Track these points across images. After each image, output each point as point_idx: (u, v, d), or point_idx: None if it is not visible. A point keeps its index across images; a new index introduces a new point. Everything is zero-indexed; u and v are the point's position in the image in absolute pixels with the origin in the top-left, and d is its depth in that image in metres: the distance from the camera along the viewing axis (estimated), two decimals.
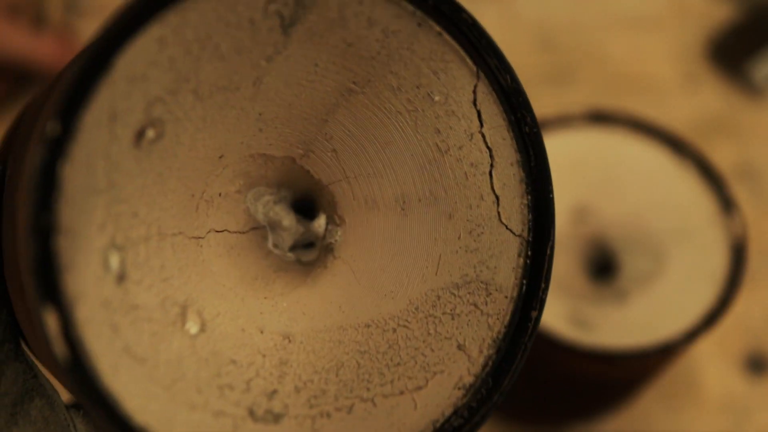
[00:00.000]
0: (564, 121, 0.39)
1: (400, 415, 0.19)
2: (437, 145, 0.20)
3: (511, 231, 0.19)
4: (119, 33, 0.17)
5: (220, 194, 0.22)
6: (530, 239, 0.19)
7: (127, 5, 0.18)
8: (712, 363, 0.50)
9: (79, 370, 0.16)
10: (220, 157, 0.21)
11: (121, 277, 0.18)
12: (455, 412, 0.18)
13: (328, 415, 0.19)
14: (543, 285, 0.19)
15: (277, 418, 0.18)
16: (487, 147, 0.20)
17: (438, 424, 0.18)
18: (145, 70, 0.18)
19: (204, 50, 0.19)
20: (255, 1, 0.19)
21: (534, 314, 0.19)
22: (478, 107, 0.20)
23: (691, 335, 0.33)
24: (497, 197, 0.20)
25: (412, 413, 0.19)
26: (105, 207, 0.18)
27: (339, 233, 0.22)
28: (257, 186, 0.22)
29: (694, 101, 0.59)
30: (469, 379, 0.18)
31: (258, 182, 0.22)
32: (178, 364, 0.18)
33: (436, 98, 0.20)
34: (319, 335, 0.20)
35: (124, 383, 0.17)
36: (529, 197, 0.20)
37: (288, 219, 0.22)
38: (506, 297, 0.19)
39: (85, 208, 0.17)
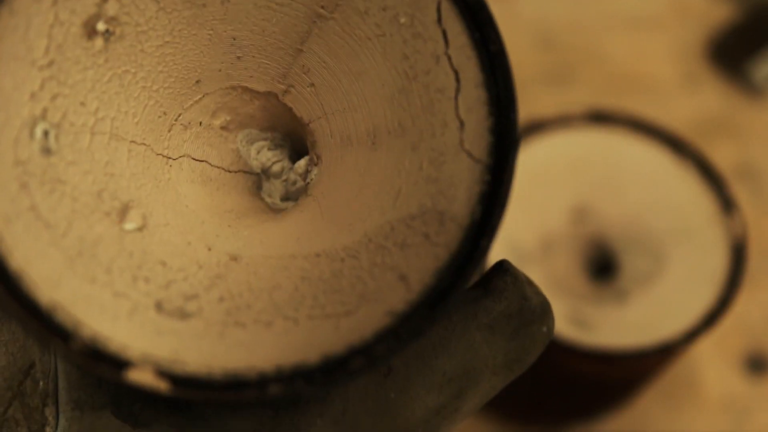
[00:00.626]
0: (564, 121, 0.39)
1: (319, 335, 0.18)
2: (406, 72, 0.20)
3: (472, 157, 0.18)
4: None
5: (200, 123, 0.22)
6: (490, 164, 0.18)
7: None
8: (712, 363, 0.50)
9: None
10: (197, 81, 0.21)
11: (47, 150, 0.19)
12: (379, 338, 0.17)
13: (243, 326, 0.18)
14: (497, 212, 0.17)
15: (184, 316, 0.18)
16: (453, 69, 0.19)
17: (356, 348, 0.17)
18: None
19: None
20: None
21: (484, 243, 0.17)
22: (443, 26, 0.19)
23: (691, 335, 0.33)
24: (461, 122, 0.18)
25: (332, 335, 0.18)
26: (40, 81, 0.18)
27: (315, 172, 0.22)
28: (248, 127, 0.22)
29: (694, 101, 0.59)
30: (401, 307, 0.17)
31: (248, 123, 0.22)
32: (94, 244, 0.19)
33: (402, 20, 0.19)
34: (267, 261, 0.20)
35: (17, 234, 0.17)
36: (492, 119, 0.18)
37: (285, 168, 0.22)
38: (459, 226, 0.18)
39: (14, 71, 0.18)
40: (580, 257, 0.40)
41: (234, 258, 0.20)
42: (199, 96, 0.22)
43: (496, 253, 0.37)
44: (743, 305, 0.52)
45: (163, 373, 0.17)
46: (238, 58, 0.21)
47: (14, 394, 0.21)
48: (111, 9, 0.19)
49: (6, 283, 0.17)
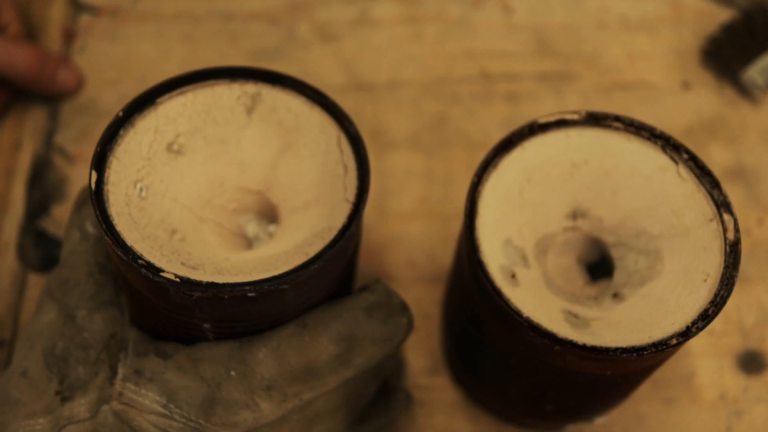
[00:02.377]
0: (561, 123, 0.39)
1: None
2: (323, 172, 0.37)
3: (348, 201, 0.35)
4: (163, 90, 0.38)
5: (221, 206, 0.39)
6: (354, 201, 0.35)
7: (169, 80, 0.38)
8: (707, 362, 0.50)
9: (98, 198, 0.35)
10: (221, 183, 0.39)
11: (140, 196, 0.36)
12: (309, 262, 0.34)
13: (222, 274, 0.34)
14: (355, 222, 0.34)
15: (195, 268, 0.34)
16: (344, 165, 0.36)
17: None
18: (175, 116, 0.38)
19: (207, 116, 0.38)
20: (230, 94, 0.38)
21: (346, 237, 0.34)
22: (341, 146, 0.37)
23: (687, 333, 0.34)
24: (346, 187, 0.36)
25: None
26: (142, 165, 0.37)
27: (274, 228, 0.39)
28: (247, 209, 0.39)
29: (690, 104, 0.60)
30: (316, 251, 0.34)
31: (247, 207, 0.39)
32: (156, 237, 0.35)
33: (322, 146, 0.37)
34: (245, 260, 0.36)
35: (122, 224, 0.34)
36: (358, 183, 0.35)
37: (264, 236, 0.39)
38: (338, 230, 0.34)
39: (132, 159, 0.37)
40: (575, 258, 0.41)
41: (227, 258, 0.36)
42: (222, 191, 0.39)
43: (496, 251, 0.37)
44: (738, 305, 0.52)
45: (177, 276, 0.32)
46: (243, 171, 0.39)
47: (104, 345, 0.37)
48: (180, 140, 0.38)
49: (116, 237, 0.33)
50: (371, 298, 0.36)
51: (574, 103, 0.60)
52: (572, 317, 0.36)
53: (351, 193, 0.35)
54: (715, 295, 0.35)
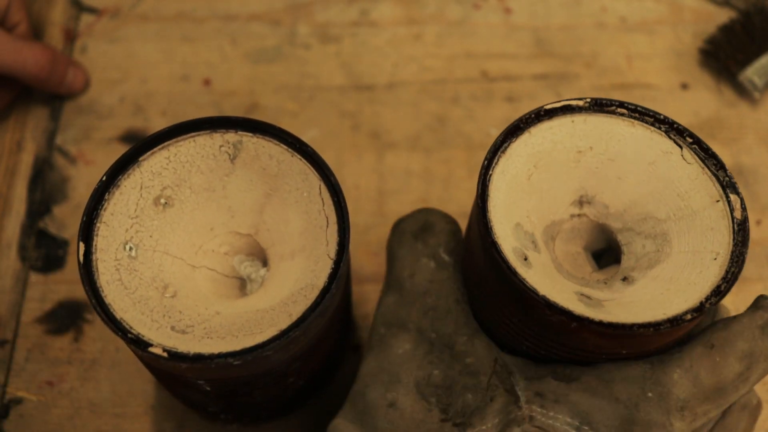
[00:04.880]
0: (566, 110, 0.39)
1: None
2: (307, 221, 0.38)
3: (329, 257, 0.36)
4: (146, 148, 0.38)
5: (213, 250, 0.40)
6: (335, 259, 0.36)
7: (149, 137, 0.38)
8: None
9: (87, 270, 0.36)
10: (211, 228, 0.40)
11: (131, 256, 0.37)
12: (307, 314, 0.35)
13: (210, 338, 0.36)
14: (337, 281, 0.35)
15: (184, 333, 0.35)
16: (326, 217, 0.37)
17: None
18: (160, 170, 0.39)
19: (192, 166, 0.39)
20: (212, 143, 0.39)
21: (328, 297, 0.35)
22: (322, 196, 0.38)
23: (700, 308, 0.34)
24: (328, 241, 0.37)
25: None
26: (131, 224, 0.38)
27: (263, 272, 0.40)
28: (239, 254, 0.40)
29: (688, 105, 0.60)
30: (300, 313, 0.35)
31: (238, 250, 0.40)
32: (147, 299, 0.36)
33: (305, 194, 0.38)
34: (235, 313, 0.37)
35: (111, 291, 0.36)
36: (338, 238, 0.36)
37: (257, 276, 0.40)
38: (319, 289, 0.36)
39: (119, 219, 0.38)
40: (582, 245, 0.41)
41: (218, 313, 0.37)
42: (212, 236, 0.40)
43: (508, 234, 0.37)
44: (736, 305, 0.52)
45: (165, 350, 0.34)
46: (232, 216, 0.40)
47: (491, 370, 0.37)
48: (166, 193, 0.39)
49: (105, 310, 0.35)
50: (766, 316, 0.37)
51: None
52: (585, 298, 0.36)
53: (332, 249, 0.36)
54: (727, 272, 0.35)
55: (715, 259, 0.36)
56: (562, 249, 0.40)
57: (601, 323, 0.33)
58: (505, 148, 0.38)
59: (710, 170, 0.38)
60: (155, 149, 0.38)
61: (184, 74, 0.61)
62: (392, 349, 0.38)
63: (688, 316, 0.34)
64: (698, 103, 0.60)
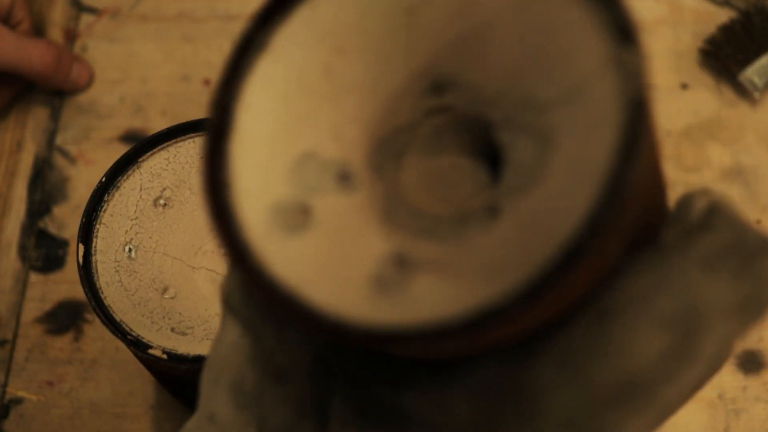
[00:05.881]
0: None
1: None
2: None
3: None
4: (145, 149, 0.39)
5: (212, 251, 0.40)
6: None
7: (149, 138, 0.39)
8: None
9: (87, 271, 0.38)
10: (211, 229, 0.35)
11: (130, 257, 0.38)
12: None
13: (209, 339, 0.38)
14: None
15: (184, 334, 0.38)
16: None
17: None
18: (160, 171, 0.39)
19: (191, 167, 0.40)
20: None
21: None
22: None
23: (534, 294, 0.19)
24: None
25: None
26: (131, 225, 0.39)
27: None
28: None
29: (688, 105, 0.60)
30: None
31: None
32: (147, 301, 0.37)
33: None
34: None
35: (111, 292, 0.37)
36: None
37: None
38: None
39: (119, 221, 0.39)
40: (462, 149, 0.26)
41: (218, 314, 0.35)
42: (212, 237, 0.39)
43: (272, 179, 0.24)
44: None
45: (165, 352, 0.35)
46: None
47: (308, 373, 0.24)
48: (166, 194, 0.39)
49: (104, 312, 0.36)
50: (713, 242, 0.21)
51: None
52: (393, 272, 0.22)
53: None
54: (591, 220, 0.19)
55: (597, 169, 0.20)
56: (422, 167, 0.25)
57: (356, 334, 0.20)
58: (265, 39, 0.24)
59: (600, 13, 0.21)
60: (155, 150, 0.39)
61: (185, 74, 0.61)
62: (221, 338, 0.27)
63: (492, 320, 0.19)
64: (698, 103, 0.60)
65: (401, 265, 0.22)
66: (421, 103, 0.25)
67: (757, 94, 0.60)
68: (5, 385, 0.49)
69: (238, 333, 0.26)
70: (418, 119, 0.25)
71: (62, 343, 0.50)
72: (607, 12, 0.21)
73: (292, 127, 0.24)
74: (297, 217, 0.23)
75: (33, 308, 0.51)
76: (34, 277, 0.53)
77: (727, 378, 0.50)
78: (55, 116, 0.59)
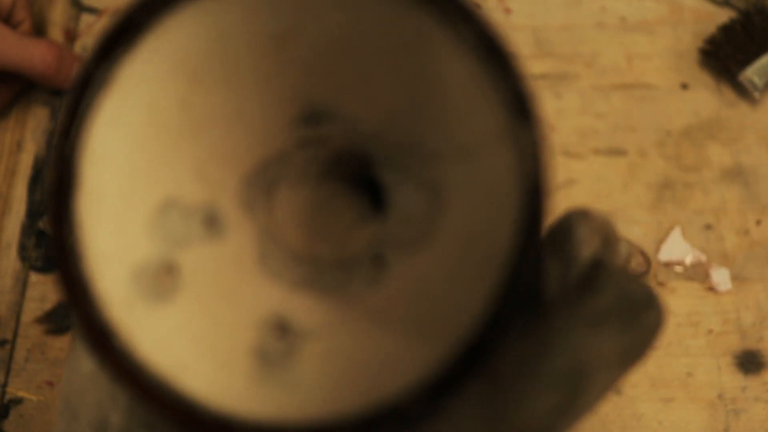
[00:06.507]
0: None
1: None
2: None
3: None
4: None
5: None
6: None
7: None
8: (705, 361, 0.51)
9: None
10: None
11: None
12: None
13: None
14: None
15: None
16: None
17: None
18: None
19: None
20: None
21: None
22: None
23: (400, 416, 0.17)
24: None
25: None
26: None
27: None
28: None
29: (688, 105, 0.60)
30: None
31: None
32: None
33: None
34: None
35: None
36: None
37: None
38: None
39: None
40: (340, 178, 0.25)
41: None
42: None
43: (130, 240, 0.21)
44: (736, 305, 0.52)
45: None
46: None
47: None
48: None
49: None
50: (598, 303, 0.21)
51: (573, 104, 0.60)
52: (275, 340, 0.20)
53: None
54: (497, 304, 0.18)
55: (492, 256, 0.18)
56: (297, 198, 0.24)
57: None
58: (108, 75, 0.20)
59: (496, 79, 0.20)
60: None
61: None
62: (75, 367, 0.23)
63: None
64: (698, 103, 0.60)
65: (283, 330, 0.20)
66: (294, 134, 0.23)
67: (757, 94, 0.60)
68: (5, 385, 0.49)
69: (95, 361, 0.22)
70: (289, 150, 0.23)
71: (62, 343, 0.51)
72: (501, 81, 0.20)
73: (147, 173, 0.21)
74: (163, 279, 0.20)
75: (33, 308, 0.52)
76: (34, 277, 0.53)
77: (727, 378, 0.50)
78: (55, 116, 0.59)
